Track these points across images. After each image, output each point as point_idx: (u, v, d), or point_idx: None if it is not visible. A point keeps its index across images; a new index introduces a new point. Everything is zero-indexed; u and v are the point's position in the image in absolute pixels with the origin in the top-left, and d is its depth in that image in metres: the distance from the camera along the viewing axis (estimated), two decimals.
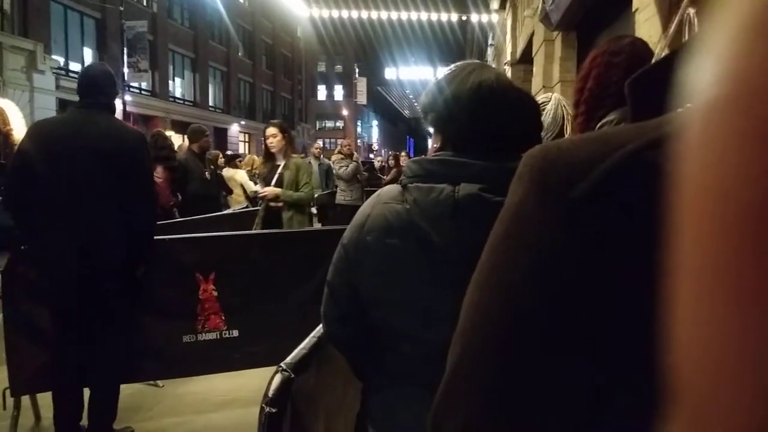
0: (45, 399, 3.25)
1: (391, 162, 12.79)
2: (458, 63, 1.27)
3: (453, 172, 1.12)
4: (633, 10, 4.30)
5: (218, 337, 3.41)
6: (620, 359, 0.43)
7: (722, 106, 0.20)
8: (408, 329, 1.16)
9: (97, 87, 2.95)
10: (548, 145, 0.48)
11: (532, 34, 9.83)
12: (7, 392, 3.09)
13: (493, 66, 1.37)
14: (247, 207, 7.20)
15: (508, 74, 11.36)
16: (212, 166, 7.24)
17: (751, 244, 0.19)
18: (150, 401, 3.68)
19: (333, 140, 42.57)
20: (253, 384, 3.59)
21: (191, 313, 3.36)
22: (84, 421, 2.99)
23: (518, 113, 1.18)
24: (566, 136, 2.08)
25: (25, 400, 3.20)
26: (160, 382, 3.83)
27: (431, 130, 1.29)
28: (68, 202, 2.78)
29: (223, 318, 3.41)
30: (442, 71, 1.31)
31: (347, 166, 8.85)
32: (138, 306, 3.12)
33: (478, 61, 1.35)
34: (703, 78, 0.21)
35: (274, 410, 1.22)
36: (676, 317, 0.22)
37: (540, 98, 2.11)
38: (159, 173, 5.24)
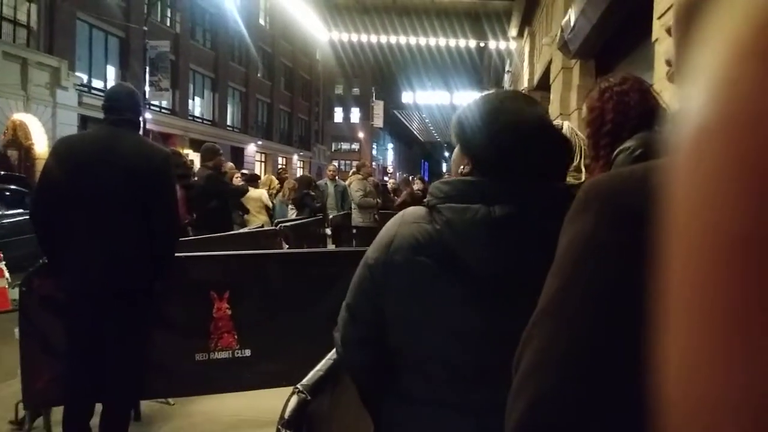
0: (56, 414, 3.26)
1: (403, 186, 12.87)
2: (497, 92, 1.29)
3: (487, 192, 1.12)
4: (653, 40, 4.31)
5: (231, 356, 3.40)
6: None
7: (710, 135, 0.19)
8: (434, 350, 1.15)
9: (123, 104, 2.99)
10: (611, 176, 0.49)
11: (550, 62, 9.87)
12: (20, 405, 3.10)
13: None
14: (263, 226, 7.23)
15: None
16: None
17: (741, 274, 0.18)
18: (160, 419, 3.67)
19: (348, 162, 42.78)
20: (263, 404, 3.56)
21: (205, 331, 3.35)
22: None
23: (556, 150, 1.20)
24: (579, 162, 2.13)
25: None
26: (171, 400, 3.82)
27: (454, 153, 1.29)
28: (93, 218, 2.78)
29: (236, 337, 3.40)
30: (461, 96, 1.33)
31: (364, 191, 8.85)
32: (152, 323, 3.11)
33: (516, 91, 1.37)
34: (691, 106, 0.20)
35: None
36: (665, 344, 0.22)
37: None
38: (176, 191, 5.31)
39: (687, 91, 0.21)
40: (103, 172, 2.77)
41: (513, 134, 1.15)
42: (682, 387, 0.21)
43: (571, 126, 2.22)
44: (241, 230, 6.76)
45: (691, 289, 0.21)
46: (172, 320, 3.31)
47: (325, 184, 10.33)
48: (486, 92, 1.29)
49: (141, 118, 3.17)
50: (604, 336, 0.47)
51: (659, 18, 4.13)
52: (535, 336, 0.52)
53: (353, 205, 9.09)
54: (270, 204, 8.47)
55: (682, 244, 0.21)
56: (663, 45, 4.04)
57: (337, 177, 10.95)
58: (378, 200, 9.21)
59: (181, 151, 6.67)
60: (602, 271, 0.47)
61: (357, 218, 8.98)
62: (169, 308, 3.23)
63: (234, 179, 8.08)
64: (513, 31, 16.12)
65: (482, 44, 23.29)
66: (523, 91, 13.18)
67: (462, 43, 23.63)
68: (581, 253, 0.49)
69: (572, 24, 7.12)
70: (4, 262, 6.55)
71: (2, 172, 14.63)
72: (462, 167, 1.22)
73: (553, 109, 9.22)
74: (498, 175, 1.14)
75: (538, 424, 0.49)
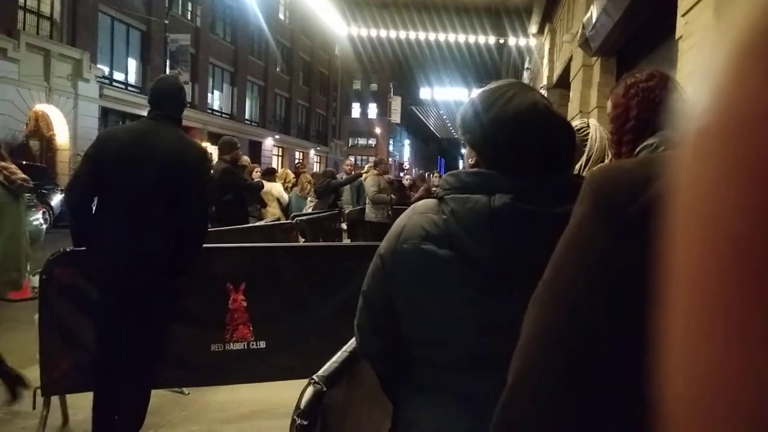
0: (72, 400, 3.31)
1: (419, 181, 12.88)
2: (497, 83, 1.27)
3: (489, 183, 1.15)
4: (677, 37, 4.25)
5: (246, 347, 3.42)
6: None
7: (713, 136, 0.20)
8: (440, 336, 1.18)
9: (165, 100, 3.03)
10: (608, 167, 0.51)
11: (570, 59, 9.79)
12: (38, 392, 3.14)
13: None
14: (279, 219, 7.26)
15: None
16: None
17: (740, 274, 0.19)
18: (174, 409, 3.70)
19: (365, 157, 42.82)
20: (276, 396, 3.60)
21: (220, 322, 3.38)
22: None
23: (555, 138, 1.20)
24: (607, 160, 2.10)
25: (54, 400, 3.25)
26: (185, 390, 3.85)
27: (465, 148, 1.30)
28: (124, 209, 2.84)
29: (251, 329, 3.42)
30: (478, 89, 1.32)
31: (378, 187, 8.85)
32: (170, 313, 3.15)
33: (516, 80, 1.34)
34: (696, 107, 0.20)
35: (305, 422, 1.22)
36: (667, 341, 0.22)
37: (576, 123, 2.13)
38: None
39: (692, 92, 0.21)
40: (138, 166, 2.83)
41: (507, 125, 1.16)
42: (683, 383, 0.21)
43: (597, 124, 2.19)
44: (257, 223, 6.80)
45: (693, 286, 0.21)
46: (189, 311, 3.34)
47: (342, 178, 10.35)
48: (486, 86, 1.29)
49: (182, 113, 3.16)
50: (580, 328, 0.49)
51: (683, 15, 4.07)
52: (525, 320, 0.55)
53: (367, 201, 9.10)
54: (284, 197, 8.49)
55: (683, 241, 0.21)
56: (687, 42, 3.98)
57: (353, 172, 10.96)
58: (392, 196, 9.19)
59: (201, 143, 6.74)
60: (585, 263, 0.49)
61: (370, 213, 9.00)
62: (186, 299, 3.26)
63: (254, 173, 8.12)
64: (533, 28, 16.00)
65: (501, 41, 23.14)
66: (541, 89, 13.10)
67: (481, 39, 23.49)
68: (569, 244, 0.51)
69: (594, 21, 7.05)
70: None
71: (24, 162, 14.89)
72: (470, 160, 1.26)
73: (573, 107, 9.14)
74: (499, 166, 1.16)
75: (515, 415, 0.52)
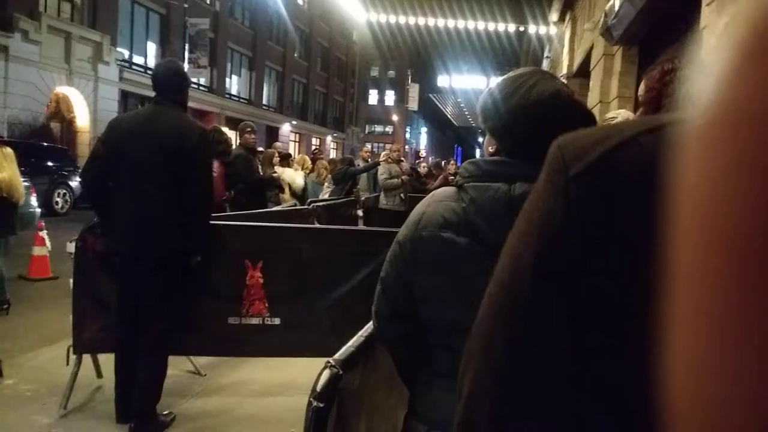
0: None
1: (435, 169, 12.81)
2: (518, 71, 1.26)
3: (509, 172, 1.16)
4: (701, 27, 4.18)
5: (261, 322, 3.57)
6: (604, 350, 0.43)
7: (717, 130, 0.20)
8: (459, 322, 1.18)
9: (162, 85, 3.19)
10: (567, 135, 0.50)
11: (591, 48, 9.67)
12: (71, 350, 3.41)
13: None
14: (295, 205, 7.29)
15: None
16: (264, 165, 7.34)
17: (741, 269, 0.19)
18: (191, 386, 3.76)
19: (381, 144, 42.76)
20: (288, 377, 3.67)
21: (238, 296, 3.54)
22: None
23: (577, 127, 1.17)
24: None
25: (87, 360, 3.51)
26: (202, 371, 3.92)
27: (484, 136, 1.30)
28: (130, 188, 3.04)
29: (267, 305, 3.56)
30: (498, 78, 1.30)
31: (389, 175, 8.85)
32: (186, 288, 3.29)
33: (537, 68, 1.32)
34: (701, 100, 0.21)
35: (321, 405, 1.23)
36: (672, 333, 0.22)
37: (609, 114, 2.12)
38: (215, 168, 5.36)
39: (695, 88, 0.21)
40: (141, 147, 3.02)
41: (528, 113, 1.15)
42: (683, 382, 0.21)
43: (629, 114, 2.18)
44: (275, 208, 6.83)
45: (694, 284, 0.21)
46: (210, 284, 3.50)
47: (359, 164, 10.35)
48: (507, 73, 1.28)
49: (187, 95, 3.32)
50: (525, 305, 0.47)
51: (708, 4, 4.00)
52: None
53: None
54: (297, 183, 8.50)
55: (685, 239, 0.21)
56: (712, 32, 3.91)
57: (370, 159, 10.96)
58: (403, 178, 9.15)
59: (221, 128, 6.68)
60: (529, 231, 0.48)
61: (382, 200, 9.02)
62: (206, 273, 3.41)
63: (273, 160, 8.12)
64: (554, 16, 15.79)
65: (521, 28, 22.88)
66: (561, 78, 12.97)
67: (501, 27, 23.24)
68: (522, 212, 0.50)
69: (616, 9, 6.95)
70: (45, 231, 6.75)
71: (45, 144, 15.07)
72: (490, 148, 1.25)
73: (593, 97, 9.04)
74: (519, 154, 1.16)
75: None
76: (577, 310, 0.44)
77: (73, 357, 3.40)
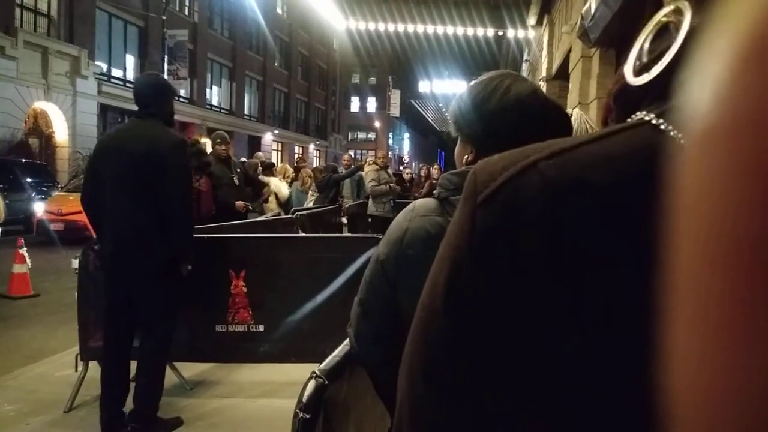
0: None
1: (423, 173, 12.83)
2: (487, 75, 1.23)
3: None
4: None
5: (246, 329, 3.71)
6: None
7: (717, 136, 0.19)
8: None
9: (139, 99, 3.21)
10: (483, 160, 0.50)
11: (569, 51, 9.76)
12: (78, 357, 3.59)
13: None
14: (279, 214, 7.26)
15: (544, 90, 11.29)
16: (242, 172, 7.28)
17: (745, 275, 0.18)
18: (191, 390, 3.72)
19: (364, 151, 42.77)
20: (282, 377, 3.65)
21: (224, 305, 3.68)
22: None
23: (556, 126, 1.16)
24: None
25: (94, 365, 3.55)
26: (187, 386, 3.88)
27: (457, 143, 1.25)
28: (111, 201, 3.08)
29: (251, 313, 3.71)
30: (473, 81, 1.27)
31: (377, 181, 8.88)
32: (174, 299, 3.31)
33: (504, 71, 1.28)
34: (699, 106, 0.20)
35: (308, 416, 1.22)
36: (669, 342, 0.22)
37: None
38: (202, 183, 5.36)
39: (693, 90, 0.21)
40: (117, 160, 3.07)
41: (510, 114, 1.13)
42: (685, 382, 0.21)
43: (581, 113, 2.18)
44: (259, 218, 6.80)
45: (695, 284, 0.21)
46: (196, 294, 3.61)
47: (342, 172, 10.34)
48: (478, 78, 1.25)
49: (166, 107, 3.30)
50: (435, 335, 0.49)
51: None
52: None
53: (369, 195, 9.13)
54: (282, 192, 8.47)
55: (686, 241, 0.21)
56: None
57: (352, 166, 10.94)
58: (392, 185, 9.19)
59: (199, 139, 6.62)
60: (443, 256, 0.48)
61: (371, 207, 9.05)
62: (194, 282, 3.47)
63: (257, 170, 8.08)
64: (532, 20, 15.93)
65: (500, 33, 23.07)
66: (541, 80, 13.06)
67: (480, 31, 23.42)
68: (442, 244, 0.50)
69: (593, 12, 7.03)
70: (25, 249, 6.65)
71: (24, 160, 14.87)
72: (466, 156, 1.20)
73: (572, 99, 9.12)
74: None
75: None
76: (489, 338, 0.44)
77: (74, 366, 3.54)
